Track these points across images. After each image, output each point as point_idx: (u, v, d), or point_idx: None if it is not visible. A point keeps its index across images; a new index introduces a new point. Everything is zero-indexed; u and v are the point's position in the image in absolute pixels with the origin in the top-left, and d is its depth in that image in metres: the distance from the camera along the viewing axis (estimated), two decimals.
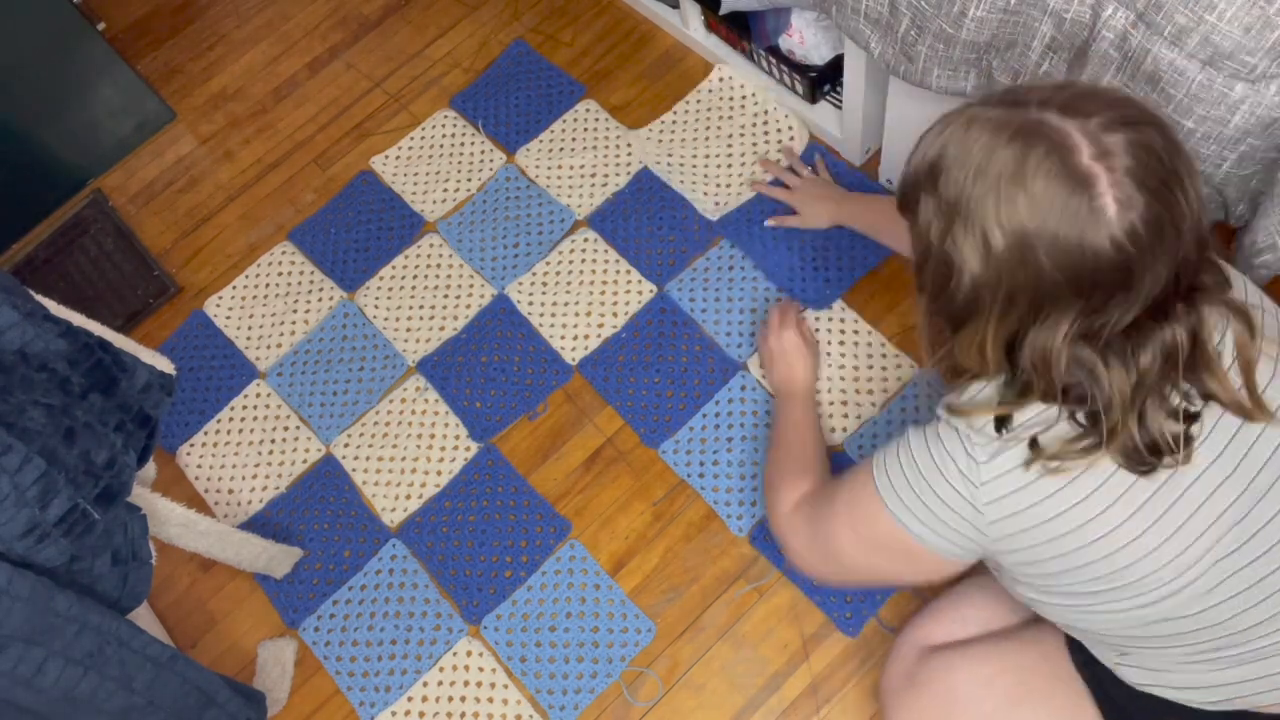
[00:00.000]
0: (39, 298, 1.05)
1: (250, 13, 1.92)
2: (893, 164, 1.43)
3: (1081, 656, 0.93)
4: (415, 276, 1.57)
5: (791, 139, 1.54)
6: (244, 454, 1.50)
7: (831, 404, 1.36)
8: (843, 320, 1.41)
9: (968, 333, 0.75)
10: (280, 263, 1.64)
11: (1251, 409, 0.73)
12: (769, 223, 1.46)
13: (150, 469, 1.48)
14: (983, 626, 1.03)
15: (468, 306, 1.53)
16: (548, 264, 1.53)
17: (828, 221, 1.41)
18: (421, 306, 1.55)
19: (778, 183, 1.49)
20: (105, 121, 1.76)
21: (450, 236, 1.59)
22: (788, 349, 1.30)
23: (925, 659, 1.02)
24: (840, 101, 1.46)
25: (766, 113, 1.56)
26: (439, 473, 1.42)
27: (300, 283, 1.61)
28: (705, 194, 1.53)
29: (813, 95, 1.49)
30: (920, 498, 0.82)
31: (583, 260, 1.53)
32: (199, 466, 1.51)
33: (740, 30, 1.50)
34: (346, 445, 1.47)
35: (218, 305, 1.62)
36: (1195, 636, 0.79)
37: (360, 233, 1.63)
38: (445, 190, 1.64)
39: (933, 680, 0.99)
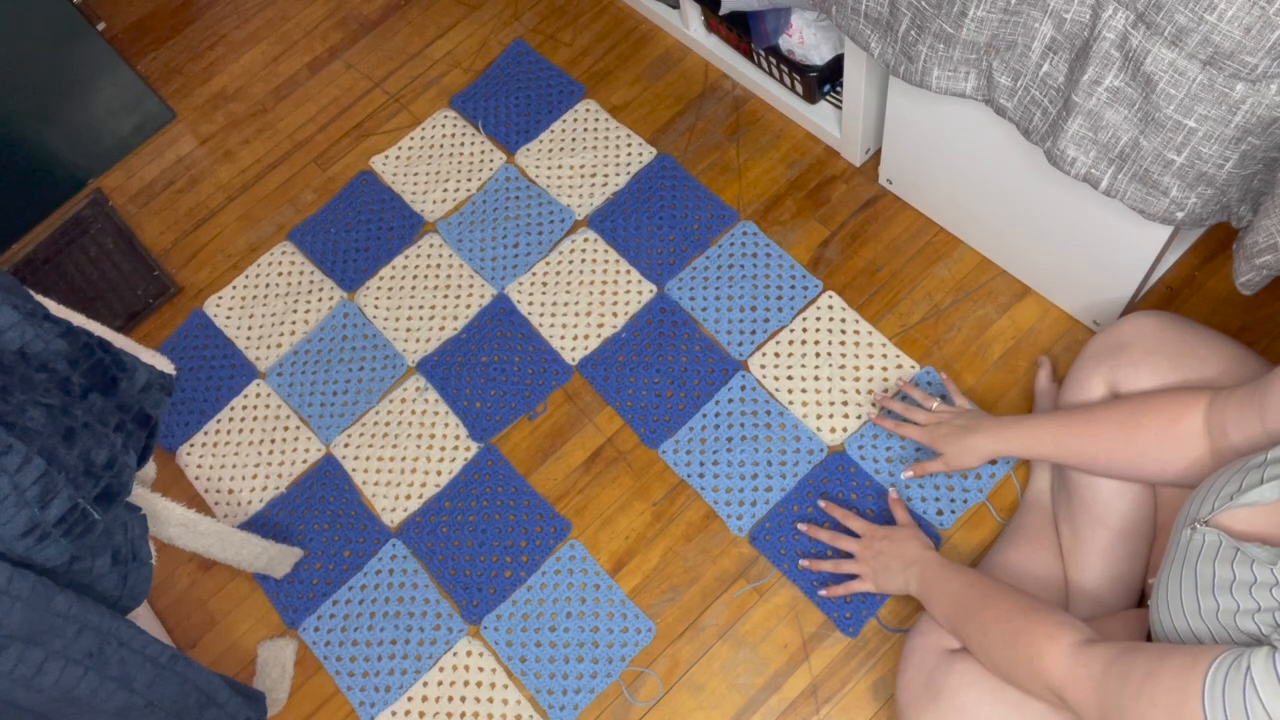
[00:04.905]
0: (39, 298, 1.05)
1: (250, 13, 1.92)
2: (893, 164, 1.43)
3: None
4: (415, 276, 1.57)
5: (900, 367, 1.36)
6: (244, 454, 1.50)
7: (832, 404, 1.35)
8: (843, 320, 1.41)
9: None
10: (280, 263, 1.64)
11: None
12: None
13: (150, 469, 1.48)
14: None
15: (468, 306, 1.53)
16: (548, 264, 1.53)
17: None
18: (421, 306, 1.55)
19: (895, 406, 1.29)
20: (105, 121, 1.76)
21: (450, 236, 1.59)
22: (880, 550, 1.18)
23: (946, 666, 0.98)
24: (840, 101, 1.46)
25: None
26: (439, 473, 1.42)
27: (300, 283, 1.61)
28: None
29: (813, 95, 1.49)
30: None
31: (583, 260, 1.53)
32: (199, 466, 1.51)
33: (740, 30, 1.50)
34: (346, 445, 1.47)
35: (218, 305, 1.62)
36: None
37: (360, 233, 1.63)
38: (445, 190, 1.64)
39: (957, 692, 0.95)
